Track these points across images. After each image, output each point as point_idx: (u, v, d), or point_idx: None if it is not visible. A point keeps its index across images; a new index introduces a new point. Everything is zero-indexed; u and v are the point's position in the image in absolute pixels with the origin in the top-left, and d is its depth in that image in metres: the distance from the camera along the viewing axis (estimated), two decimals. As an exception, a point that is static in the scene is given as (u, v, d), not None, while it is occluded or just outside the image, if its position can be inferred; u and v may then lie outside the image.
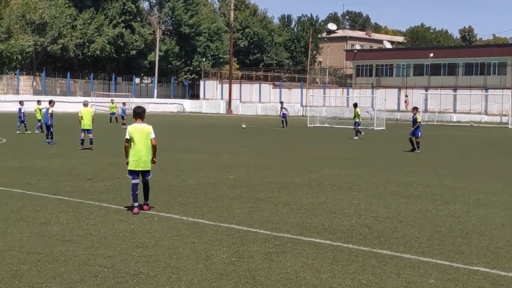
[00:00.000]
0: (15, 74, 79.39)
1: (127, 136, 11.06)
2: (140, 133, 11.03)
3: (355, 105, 36.76)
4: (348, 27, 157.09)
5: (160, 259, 7.96)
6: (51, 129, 26.13)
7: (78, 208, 11.31)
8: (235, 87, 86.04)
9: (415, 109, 26.35)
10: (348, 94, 79.02)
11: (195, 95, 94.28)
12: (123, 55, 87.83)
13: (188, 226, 10.01)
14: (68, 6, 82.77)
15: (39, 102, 33.22)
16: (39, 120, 32.10)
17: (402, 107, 74.88)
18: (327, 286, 7.03)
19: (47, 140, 25.76)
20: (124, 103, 45.32)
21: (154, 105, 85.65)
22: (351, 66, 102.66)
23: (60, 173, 16.24)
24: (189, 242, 8.88)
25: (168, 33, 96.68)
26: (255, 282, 7.09)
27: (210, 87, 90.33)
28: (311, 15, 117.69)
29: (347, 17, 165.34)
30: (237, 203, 12.26)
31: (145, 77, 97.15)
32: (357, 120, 35.61)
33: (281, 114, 48.12)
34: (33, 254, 8.03)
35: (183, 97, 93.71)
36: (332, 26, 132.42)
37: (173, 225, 10.02)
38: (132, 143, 11.04)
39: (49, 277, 7.08)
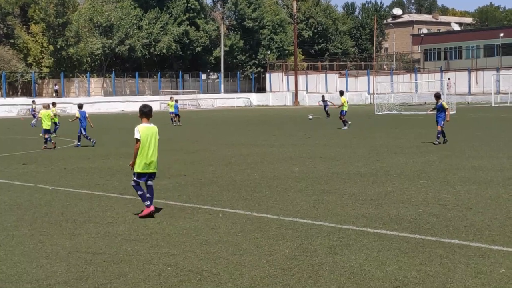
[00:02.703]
0: (85, 77, 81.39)
1: (138, 136, 10.47)
2: (150, 134, 10.59)
3: (341, 93, 35.34)
4: (414, 11, 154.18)
5: (223, 255, 7.96)
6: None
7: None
8: (301, 78, 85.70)
9: (437, 96, 23.30)
10: (416, 79, 77.55)
11: (261, 88, 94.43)
12: (188, 52, 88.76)
13: (252, 221, 9.98)
14: (134, 7, 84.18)
15: (54, 104, 32.61)
16: (55, 123, 31.26)
17: (446, 90, 72.86)
18: (392, 278, 6.86)
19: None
20: (176, 100, 43.29)
21: (221, 100, 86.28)
22: (419, 51, 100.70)
23: (128, 173, 16.46)
24: (253, 238, 8.85)
25: (232, 28, 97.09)
26: (318, 277, 6.99)
27: (276, 80, 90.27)
28: (375, 1, 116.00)
29: (412, 1, 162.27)
30: (302, 196, 12.16)
31: (211, 73, 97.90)
32: (345, 109, 33.40)
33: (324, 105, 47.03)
34: (99, 254, 8.16)
35: (250, 91, 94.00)
36: (397, 11, 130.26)
37: (237, 221, 10.01)
38: (141, 145, 10.48)
39: (113, 277, 7.17)
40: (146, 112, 10.64)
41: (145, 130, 10.56)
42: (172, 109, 41.75)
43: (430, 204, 10.99)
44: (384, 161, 17.54)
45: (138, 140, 10.48)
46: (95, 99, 76.68)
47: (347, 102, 34.15)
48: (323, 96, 50.89)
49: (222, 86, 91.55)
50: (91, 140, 24.77)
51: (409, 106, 58.00)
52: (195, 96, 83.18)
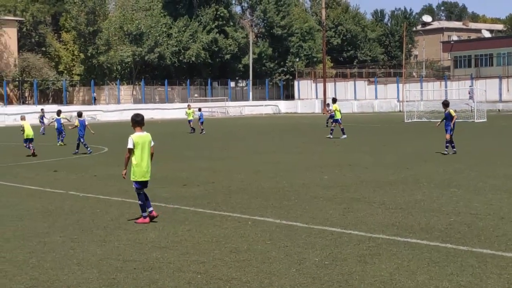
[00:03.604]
0: (115, 84, 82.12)
1: (131, 146, 10.63)
2: (144, 142, 10.77)
3: (334, 100, 34.04)
4: (444, 18, 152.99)
5: (253, 263, 7.96)
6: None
7: (173, 214, 11.51)
8: (330, 85, 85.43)
9: (445, 104, 22.49)
10: (446, 87, 76.83)
11: (289, 96, 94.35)
12: (217, 60, 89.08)
13: (281, 229, 9.98)
14: (163, 15, 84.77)
15: (59, 112, 32.88)
16: (61, 132, 31.32)
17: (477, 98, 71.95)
18: (423, 288, 6.81)
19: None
20: (199, 109, 42.77)
21: (250, 107, 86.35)
22: (449, 58, 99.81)
23: (157, 180, 16.56)
24: (282, 246, 8.84)
25: (261, 36, 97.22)
26: (348, 286, 6.96)
27: (304, 87, 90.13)
28: (405, 9, 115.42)
29: (442, 8, 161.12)
30: (331, 204, 12.12)
31: (240, 80, 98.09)
32: (338, 117, 31.77)
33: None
34: (129, 261, 8.21)
35: (278, 98, 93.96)
36: (427, 18, 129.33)
37: (266, 229, 10.01)
38: (135, 153, 10.66)
39: (144, 284, 7.21)
40: (138, 121, 10.86)
41: (139, 139, 10.73)
42: (190, 117, 40.66)
43: (461, 213, 10.88)
44: (414, 169, 17.41)
45: (130, 150, 10.65)
46: (125, 106, 77.27)
47: (340, 111, 32.61)
48: (328, 105, 50.24)
49: (250, 93, 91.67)
50: (88, 148, 25.41)
51: (438, 113, 57.39)
52: (224, 103, 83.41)
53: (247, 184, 15.42)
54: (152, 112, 76.37)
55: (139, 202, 10.85)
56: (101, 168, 19.86)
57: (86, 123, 25.99)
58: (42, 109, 51.82)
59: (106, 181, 16.66)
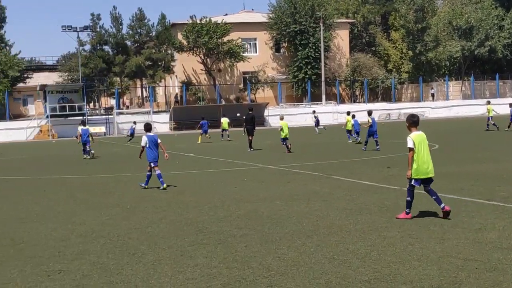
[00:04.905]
0: (444, 81, 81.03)
1: (411, 145, 10.99)
2: (421, 140, 11.10)
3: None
4: None
5: None
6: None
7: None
8: None
9: None
10: None
11: None
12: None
13: None
14: (495, 7, 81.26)
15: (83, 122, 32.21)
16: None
17: None
18: None
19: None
20: (510, 104, 37.83)
21: None
22: None
23: (492, 178, 15.99)
24: None
25: None
26: None
27: None
28: None
29: None
30: None
31: None
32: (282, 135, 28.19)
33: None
34: (470, 261, 8.06)
35: None
36: None
37: None
38: (415, 152, 11.00)
39: (488, 285, 7.03)
40: (415, 122, 11.28)
41: (417, 138, 11.07)
42: (490, 114, 37.90)
43: None
44: None
45: (411, 149, 11.02)
46: (453, 102, 75.92)
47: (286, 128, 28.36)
48: (313, 111, 48.95)
49: None
50: (90, 154, 29.23)
51: None
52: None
53: None
54: (482, 107, 73.72)
55: (407, 198, 11.09)
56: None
57: (90, 131, 30.20)
58: (134, 122, 50.95)
59: (441, 179, 16.46)
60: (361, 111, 62.08)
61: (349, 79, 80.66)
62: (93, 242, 10.30)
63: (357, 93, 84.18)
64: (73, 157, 30.81)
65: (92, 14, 76.61)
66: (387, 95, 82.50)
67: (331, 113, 68.63)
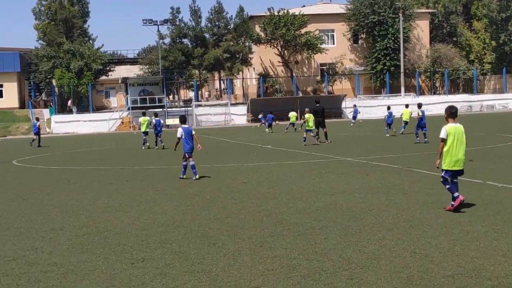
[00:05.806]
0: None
1: (444, 136, 11.06)
2: (457, 132, 11.10)
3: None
4: None
5: None
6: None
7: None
8: None
9: None
10: None
11: None
12: None
13: None
14: None
15: (144, 113, 36.00)
16: (144, 133, 32.71)
17: None
18: None
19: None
20: None
21: None
22: None
23: None
24: None
25: None
26: None
27: None
28: None
29: None
30: None
31: None
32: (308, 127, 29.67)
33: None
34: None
35: None
36: None
37: None
38: (447, 143, 11.05)
39: None
40: (453, 113, 11.31)
41: (452, 129, 11.09)
42: None
43: None
44: None
45: (443, 140, 11.10)
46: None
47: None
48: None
49: None
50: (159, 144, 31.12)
51: None
52: None
53: None
54: None
55: (447, 187, 11.16)
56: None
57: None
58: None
59: (525, 172, 16.00)
60: (441, 103, 60.93)
61: (429, 70, 79.02)
62: (174, 231, 10.48)
63: (437, 84, 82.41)
64: (153, 149, 31.44)
65: (172, 8, 78.04)
66: (469, 87, 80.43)
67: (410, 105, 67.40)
